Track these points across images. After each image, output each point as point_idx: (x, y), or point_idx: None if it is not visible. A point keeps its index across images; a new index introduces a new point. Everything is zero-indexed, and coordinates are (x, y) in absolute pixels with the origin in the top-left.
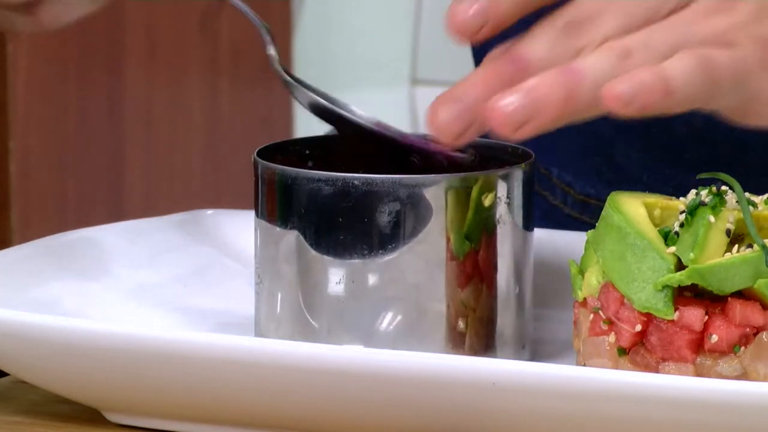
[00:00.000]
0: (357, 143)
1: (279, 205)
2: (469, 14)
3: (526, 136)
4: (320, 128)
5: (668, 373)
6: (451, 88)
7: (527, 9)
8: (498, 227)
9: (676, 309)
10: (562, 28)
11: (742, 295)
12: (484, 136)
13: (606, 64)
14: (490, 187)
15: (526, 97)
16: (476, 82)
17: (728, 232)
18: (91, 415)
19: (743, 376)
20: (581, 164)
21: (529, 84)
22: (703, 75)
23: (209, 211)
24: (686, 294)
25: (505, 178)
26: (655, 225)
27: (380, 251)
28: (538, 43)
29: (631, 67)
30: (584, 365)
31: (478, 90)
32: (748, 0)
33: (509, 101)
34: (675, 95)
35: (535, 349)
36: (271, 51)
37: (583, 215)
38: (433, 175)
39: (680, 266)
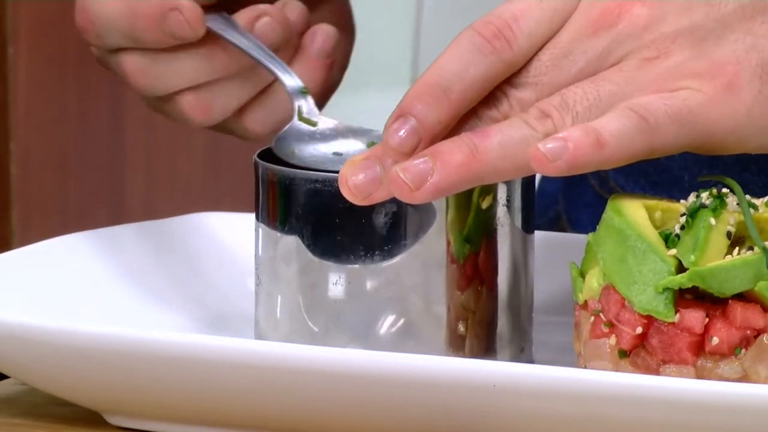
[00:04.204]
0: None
1: (278, 206)
2: (402, 135)
3: (429, 196)
4: None
5: (669, 375)
6: (364, 153)
7: (456, 118)
8: (497, 229)
9: (676, 311)
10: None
11: (743, 297)
12: None
13: (518, 124)
14: (489, 189)
15: (426, 156)
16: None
17: (729, 234)
18: (91, 417)
19: (744, 378)
20: (631, 165)
21: (432, 147)
22: (637, 124)
23: (209, 214)
24: (687, 296)
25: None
26: (656, 227)
27: (378, 253)
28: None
29: (551, 127)
30: (585, 368)
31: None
32: (684, 39)
33: (410, 162)
34: (608, 148)
35: (535, 351)
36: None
37: None
38: None
39: (681, 268)
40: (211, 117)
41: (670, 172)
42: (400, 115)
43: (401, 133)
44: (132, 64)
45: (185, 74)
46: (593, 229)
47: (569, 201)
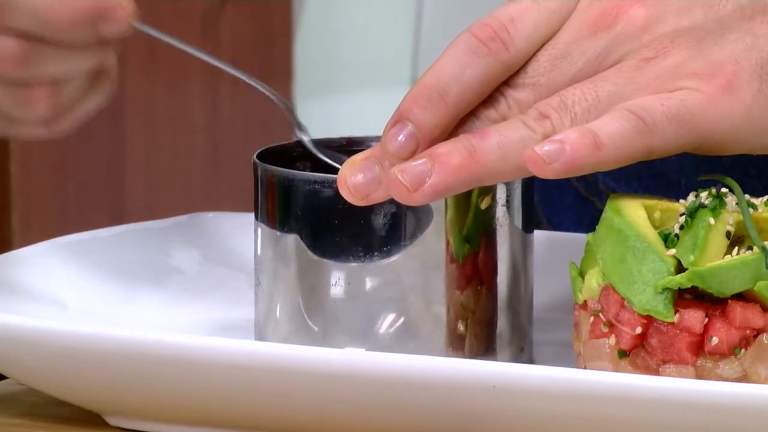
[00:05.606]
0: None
1: (278, 206)
2: (400, 140)
3: (428, 197)
4: (320, 130)
5: (669, 375)
6: (365, 153)
7: (454, 120)
8: (497, 229)
9: (676, 311)
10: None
11: (743, 297)
12: None
13: (516, 125)
14: (488, 190)
15: (425, 158)
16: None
17: (728, 234)
18: (91, 418)
19: (743, 378)
20: (623, 168)
21: (431, 149)
22: (635, 125)
23: (209, 214)
24: (686, 296)
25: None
26: (655, 227)
27: (377, 253)
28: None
29: (549, 128)
30: (585, 368)
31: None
32: (683, 39)
33: (408, 163)
34: (605, 149)
35: (535, 351)
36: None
37: None
38: None
39: (680, 268)
40: (58, 112)
41: (665, 176)
42: (398, 119)
43: (399, 138)
44: (7, 46)
45: (59, 66)
46: (576, 232)
47: (548, 203)
